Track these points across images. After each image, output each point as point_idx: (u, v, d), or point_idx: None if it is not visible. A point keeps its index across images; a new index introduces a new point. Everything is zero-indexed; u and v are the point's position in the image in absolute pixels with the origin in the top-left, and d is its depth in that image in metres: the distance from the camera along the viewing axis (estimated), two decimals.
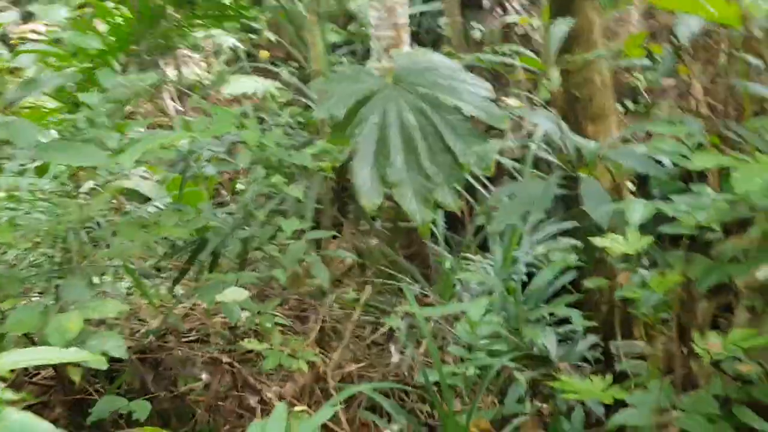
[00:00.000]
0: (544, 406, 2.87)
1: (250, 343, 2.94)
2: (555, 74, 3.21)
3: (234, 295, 2.90)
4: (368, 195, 3.43)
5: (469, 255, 4.94)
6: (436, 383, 2.96)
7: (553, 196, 2.56)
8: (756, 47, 2.64)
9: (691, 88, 3.20)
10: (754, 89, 2.79)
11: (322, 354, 3.38)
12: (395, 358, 3.72)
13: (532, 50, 6.25)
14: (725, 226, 2.15)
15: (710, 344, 2.01)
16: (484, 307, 2.35)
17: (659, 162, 2.64)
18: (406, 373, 3.57)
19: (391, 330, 3.56)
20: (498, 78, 6.76)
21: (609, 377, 2.15)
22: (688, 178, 2.95)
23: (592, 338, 2.98)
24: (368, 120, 3.57)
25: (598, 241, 2.25)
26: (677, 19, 2.66)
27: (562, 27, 2.69)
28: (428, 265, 4.89)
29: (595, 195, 2.50)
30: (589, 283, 2.77)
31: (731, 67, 2.89)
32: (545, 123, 2.82)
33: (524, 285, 4.26)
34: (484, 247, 4.94)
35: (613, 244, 2.21)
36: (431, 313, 2.71)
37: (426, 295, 4.43)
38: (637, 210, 1.76)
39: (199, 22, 4.05)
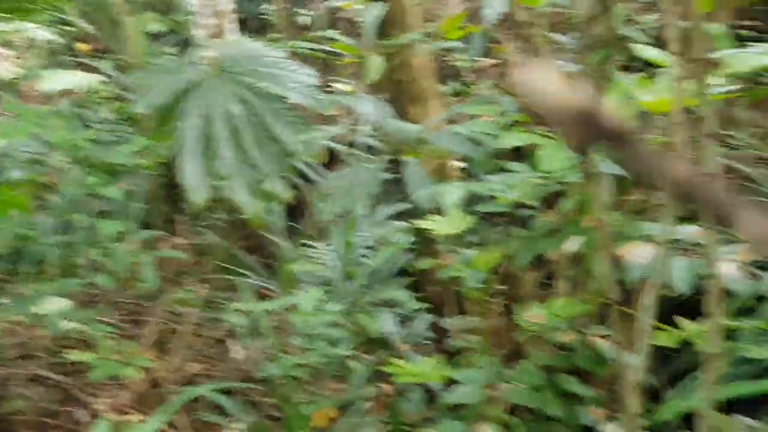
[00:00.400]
0: (386, 387, 2.91)
1: (75, 355, 2.79)
2: (376, 59, 3.24)
3: (55, 305, 2.73)
4: (197, 191, 3.33)
5: (308, 243, 4.93)
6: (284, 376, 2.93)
7: (380, 181, 2.58)
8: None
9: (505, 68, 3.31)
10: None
11: (161, 358, 3.26)
12: (237, 354, 3.65)
13: (359, 35, 6.27)
14: (542, 202, 2.24)
15: (532, 316, 2.09)
16: (317, 297, 2.33)
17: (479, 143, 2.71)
18: (251, 369, 3.52)
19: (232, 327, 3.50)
20: (330, 65, 6.77)
21: (441, 357, 2.19)
22: (513, 158, 3.05)
23: (428, 317, 3.04)
24: (192, 113, 3.46)
25: (420, 223, 2.29)
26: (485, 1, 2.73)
27: (374, 11, 2.70)
28: (269, 256, 4.84)
29: (416, 178, 2.53)
30: (419, 264, 2.82)
31: (544, 46, 3.00)
32: (369, 108, 2.83)
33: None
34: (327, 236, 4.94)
35: (434, 225, 2.25)
36: (265, 307, 2.67)
37: (269, 289, 4.38)
38: (451, 192, 1.81)
39: (2, 15, 3.76)
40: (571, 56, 3.00)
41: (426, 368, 2.13)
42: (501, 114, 2.15)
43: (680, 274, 1.91)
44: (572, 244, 1.95)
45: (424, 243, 3.05)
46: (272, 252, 4.69)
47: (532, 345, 2.23)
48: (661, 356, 2.30)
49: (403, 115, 3.46)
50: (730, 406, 2.21)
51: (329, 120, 4.39)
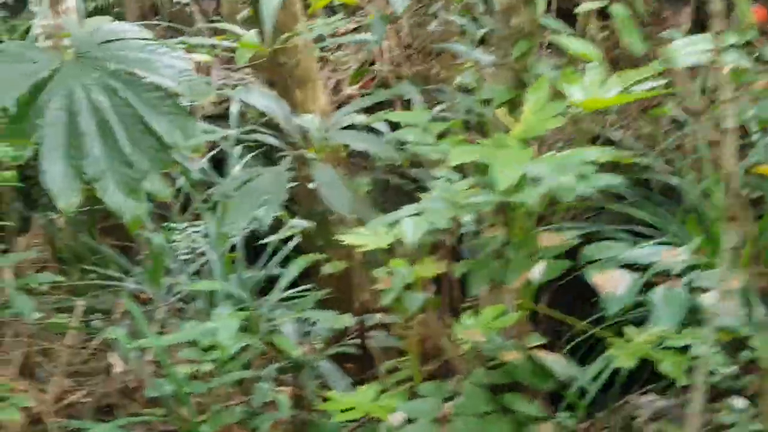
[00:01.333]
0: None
1: None
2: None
3: None
4: (64, 195, 2.95)
5: (173, 225, 4.60)
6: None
7: (286, 186, 2.36)
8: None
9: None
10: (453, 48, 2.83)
11: (33, 387, 2.92)
12: (119, 368, 3.35)
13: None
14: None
15: (469, 333, 1.98)
16: (235, 327, 2.10)
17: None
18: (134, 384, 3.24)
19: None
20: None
21: (375, 386, 2.03)
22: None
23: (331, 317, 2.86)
24: (51, 105, 3.05)
25: (346, 238, 2.10)
26: None
27: None
28: (128, 240, 4.49)
29: (331, 183, 2.34)
30: (327, 268, 2.64)
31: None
32: (261, 101, 2.59)
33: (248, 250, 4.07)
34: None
35: (360, 239, 2.07)
36: (170, 342, 2.39)
37: (142, 290, 4.05)
38: (410, 228, 1.62)
39: None
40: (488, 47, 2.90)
41: (364, 399, 1.97)
42: (430, 119, 1.97)
43: (666, 310, 1.84)
44: (537, 273, 1.83)
45: (326, 242, 2.86)
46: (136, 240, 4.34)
47: (463, 360, 2.12)
48: None
49: (287, 97, 3.22)
50: None
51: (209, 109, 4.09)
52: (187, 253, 4.88)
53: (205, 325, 2.30)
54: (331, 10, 6.32)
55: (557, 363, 1.90)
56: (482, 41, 3.03)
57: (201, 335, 2.29)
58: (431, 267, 1.95)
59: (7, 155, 2.53)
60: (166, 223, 4.80)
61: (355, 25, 6.40)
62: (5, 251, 3.62)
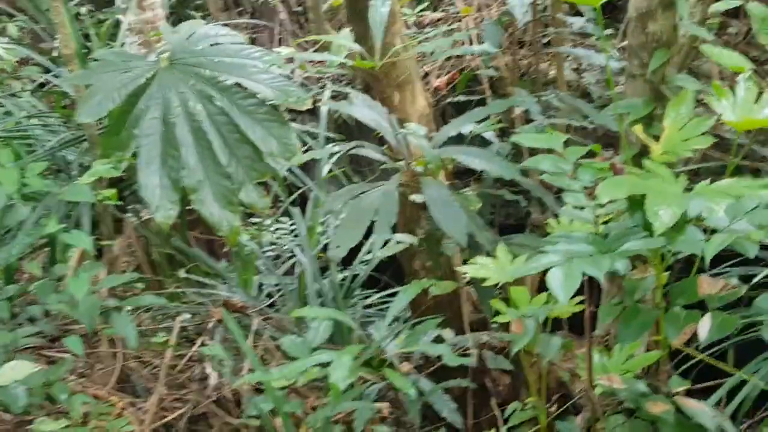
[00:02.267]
0: None
1: (45, 425, 2.37)
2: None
3: (15, 371, 2.30)
4: (161, 208, 2.88)
5: (257, 220, 4.52)
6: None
7: (397, 207, 2.21)
8: None
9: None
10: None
11: (131, 404, 2.86)
12: (213, 380, 3.28)
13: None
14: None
15: (609, 378, 1.79)
16: (348, 366, 1.95)
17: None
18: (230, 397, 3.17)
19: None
20: None
21: None
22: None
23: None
24: (147, 115, 2.97)
25: (467, 269, 1.94)
26: None
27: None
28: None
29: (444, 203, 2.18)
30: (436, 290, 2.49)
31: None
32: (365, 114, 2.44)
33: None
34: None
35: (482, 272, 1.91)
36: (280, 377, 2.26)
37: (232, 291, 3.98)
38: (559, 284, 1.41)
39: None
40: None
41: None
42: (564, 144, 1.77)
43: None
44: (702, 330, 1.59)
45: (437, 264, 2.69)
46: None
47: (596, 401, 1.93)
48: None
49: (385, 101, 3.06)
50: None
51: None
52: (276, 255, 4.84)
53: (317, 357, 2.17)
54: None
55: (704, 414, 1.70)
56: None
57: (313, 370, 2.16)
58: (570, 307, 1.77)
59: (109, 173, 2.44)
60: (253, 223, 4.75)
61: (441, 15, 6.23)
62: (98, 255, 3.58)
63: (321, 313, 2.46)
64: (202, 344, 3.23)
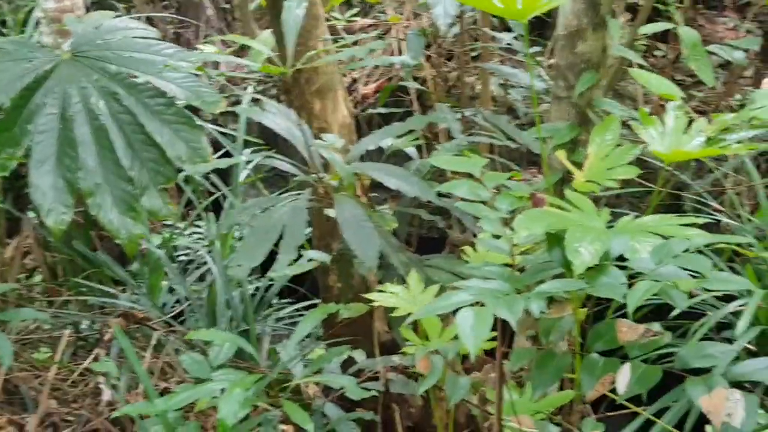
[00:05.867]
0: None
1: None
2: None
3: None
4: (53, 212, 2.65)
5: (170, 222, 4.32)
6: None
7: (305, 227, 2.06)
8: None
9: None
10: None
11: (9, 421, 2.63)
12: (106, 396, 3.08)
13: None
14: None
15: (520, 420, 1.67)
16: (240, 400, 1.79)
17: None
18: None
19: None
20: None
21: None
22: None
23: None
24: (43, 111, 2.74)
25: (375, 297, 1.80)
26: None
27: None
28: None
29: (356, 224, 2.04)
30: (346, 313, 2.34)
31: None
32: (279, 124, 2.28)
33: None
34: None
35: (395, 302, 1.77)
36: (170, 407, 2.07)
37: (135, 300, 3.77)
38: (469, 330, 1.28)
39: None
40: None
41: None
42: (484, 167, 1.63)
43: None
44: (621, 383, 1.47)
45: (347, 284, 2.54)
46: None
47: None
48: None
49: (305, 109, 2.90)
50: None
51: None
52: (187, 261, 4.62)
53: (209, 386, 2.00)
54: (347, 4, 6.02)
55: None
56: None
57: (203, 400, 1.99)
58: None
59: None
60: (167, 226, 4.53)
61: (372, 21, 6.10)
62: None
63: (220, 337, 2.28)
64: (95, 359, 3.03)
